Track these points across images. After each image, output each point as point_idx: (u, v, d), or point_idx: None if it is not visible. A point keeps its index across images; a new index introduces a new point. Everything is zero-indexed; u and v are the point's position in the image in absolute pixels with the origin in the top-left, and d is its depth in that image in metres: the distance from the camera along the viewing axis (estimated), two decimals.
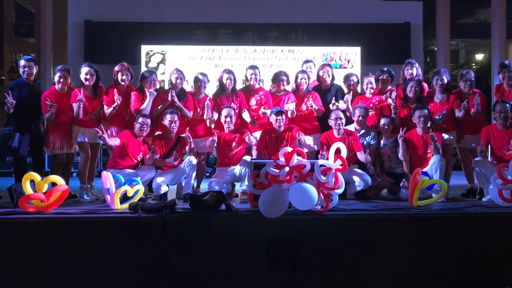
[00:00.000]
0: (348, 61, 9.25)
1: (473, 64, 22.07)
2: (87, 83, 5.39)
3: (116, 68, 5.59)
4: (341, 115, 5.52)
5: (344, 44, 9.40)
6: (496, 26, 11.94)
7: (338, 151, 4.54)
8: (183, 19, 9.84)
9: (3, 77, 18.68)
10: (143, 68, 9.03)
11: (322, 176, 4.37)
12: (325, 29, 9.94)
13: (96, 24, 9.79)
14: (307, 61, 6.39)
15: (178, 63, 8.97)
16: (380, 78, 6.00)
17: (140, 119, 5.30)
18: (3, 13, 18.24)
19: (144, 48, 9.12)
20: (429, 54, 17.91)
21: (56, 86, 5.38)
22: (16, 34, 18.92)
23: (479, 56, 22.37)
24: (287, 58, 9.15)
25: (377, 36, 9.99)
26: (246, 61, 9.08)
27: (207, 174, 7.86)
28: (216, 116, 5.73)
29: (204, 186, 5.79)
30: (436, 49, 13.07)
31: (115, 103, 5.35)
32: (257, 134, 5.75)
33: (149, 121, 5.31)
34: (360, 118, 5.66)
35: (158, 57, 9.13)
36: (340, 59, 9.23)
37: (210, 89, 6.27)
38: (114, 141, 5.28)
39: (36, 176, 4.48)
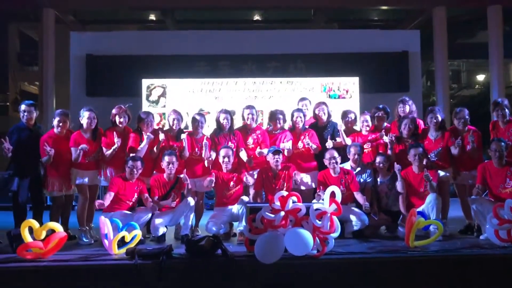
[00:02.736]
0: (347, 91, 9.30)
1: (476, 85, 22.14)
2: (89, 127, 5.47)
3: (114, 111, 5.68)
4: (335, 154, 5.57)
5: (343, 74, 9.45)
6: (493, 47, 12.00)
7: (333, 195, 4.57)
8: (183, 52, 9.97)
9: (7, 103, 18.89)
10: (144, 102, 9.16)
11: (317, 221, 4.40)
12: (323, 59, 10.01)
13: (98, 58, 9.93)
14: (302, 99, 6.46)
15: (178, 96, 9.13)
16: (375, 115, 6.07)
17: (130, 163, 5.35)
18: (8, 42, 18.51)
19: (145, 82, 9.22)
20: (430, 76, 17.96)
21: (55, 130, 5.47)
22: (20, 62, 19.15)
23: (481, 77, 22.41)
24: (286, 89, 9.22)
25: (375, 65, 10.06)
26: (246, 92, 9.19)
27: (208, 207, 7.92)
28: (214, 155, 5.79)
29: (203, 222, 5.81)
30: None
31: (115, 145, 5.42)
32: (254, 173, 5.79)
33: (139, 163, 5.36)
34: (356, 156, 5.71)
35: (158, 90, 9.23)
36: (338, 90, 9.28)
37: (209, 124, 6.36)
38: (109, 197, 5.24)
39: (35, 224, 4.54)
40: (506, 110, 5.62)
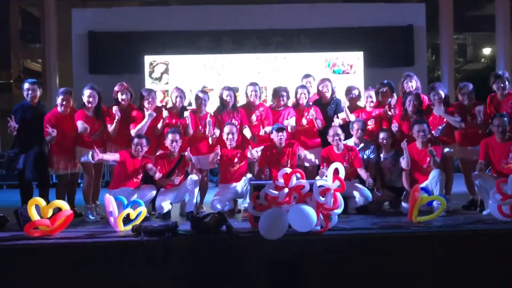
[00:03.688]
0: (351, 67, 9.20)
1: (482, 59, 21.90)
2: (89, 105, 5.48)
3: (116, 88, 5.68)
4: (339, 131, 5.57)
5: (347, 49, 9.35)
6: (500, 19, 11.83)
7: (336, 172, 4.59)
8: (185, 28, 9.86)
9: (11, 81, 18.88)
10: (147, 78, 9.11)
11: (321, 197, 4.43)
12: (327, 33, 9.87)
13: (100, 35, 9.84)
14: (306, 76, 6.43)
15: (181, 72, 9.06)
16: (380, 91, 6.05)
17: (135, 140, 5.37)
18: (9, 20, 18.41)
19: (148, 59, 9.16)
20: (435, 49, 17.78)
21: (59, 108, 5.48)
22: (22, 39, 19.07)
23: (487, 51, 22.14)
24: (290, 65, 9.14)
25: (380, 39, 9.90)
26: (249, 68, 9.10)
27: (214, 181, 7.99)
28: (217, 132, 5.79)
29: (208, 199, 5.87)
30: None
31: (116, 118, 5.43)
32: (258, 149, 5.80)
33: (144, 141, 5.38)
34: (359, 132, 5.70)
35: (161, 67, 9.16)
36: (342, 65, 9.19)
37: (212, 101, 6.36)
38: (113, 156, 5.36)
39: (41, 202, 4.58)
40: (507, 82, 5.56)
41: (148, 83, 8.97)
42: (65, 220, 4.57)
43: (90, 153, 5.28)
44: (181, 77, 8.95)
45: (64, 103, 5.46)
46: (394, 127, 5.69)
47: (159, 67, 9.19)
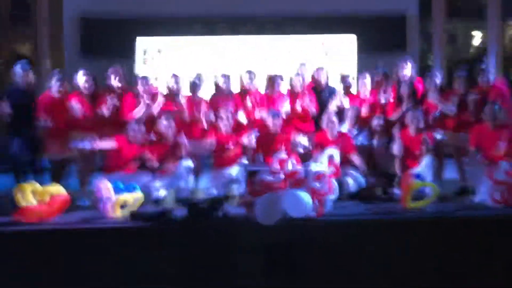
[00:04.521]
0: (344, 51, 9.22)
1: (472, 47, 21.96)
2: (85, 91, 5.45)
3: (109, 72, 5.65)
4: (333, 117, 5.60)
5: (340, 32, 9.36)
6: (492, 7, 11.86)
7: (331, 157, 4.63)
8: (179, 14, 9.78)
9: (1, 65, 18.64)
10: (139, 63, 9.05)
11: (315, 183, 4.47)
12: (320, 19, 9.84)
13: (92, 19, 9.72)
14: (302, 64, 6.42)
15: (174, 58, 9.01)
16: (374, 78, 6.06)
17: (133, 125, 5.37)
18: None
19: (140, 43, 9.09)
20: (428, 37, 17.82)
21: (54, 93, 5.44)
22: (12, 23, 18.77)
23: (477, 38, 22.18)
24: (283, 49, 9.13)
25: (373, 26, 9.93)
26: (243, 53, 9.08)
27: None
28: (212, 117, 5.80)
29: (202, 184, 5.87)
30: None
31: (108, 103, 5.41)
32: (253, 135, 5.82)
33: (142, 127, 5.38)
34: (353, 118, 5.74)
35: (154, 52, 9.12)
36: (336, 49, 9.20)
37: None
38: (109, 144, 5.36)
39: (37, 186, 4.57)
40: (490, 75, 5.78)
41: (141, 67, 8.93)
42: (61, 204, 4.57)
43: (87, 141, 5.29)
44: (174, 62, 8.90)
45: (61, 89, 5.41)
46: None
47: (151, 52, 9.14)
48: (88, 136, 5.45)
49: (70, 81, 5.61)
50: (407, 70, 5.99)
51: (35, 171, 5.64)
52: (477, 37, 21.83)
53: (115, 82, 5.63)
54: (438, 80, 5.74)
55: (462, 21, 22.00)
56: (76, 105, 5.34)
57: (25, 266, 4.23)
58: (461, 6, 19.19)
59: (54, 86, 5.44)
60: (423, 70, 8.95)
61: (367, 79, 6.04)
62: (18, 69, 5.52)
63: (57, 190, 4.67)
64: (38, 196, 4.54)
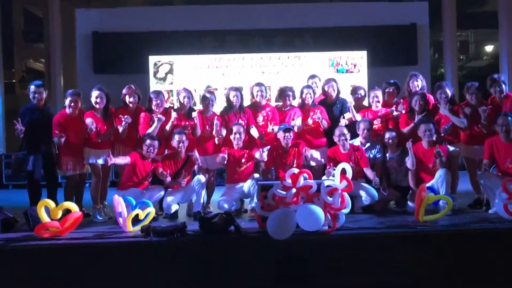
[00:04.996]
0: (355, 66, 9.25)
1: (484, 56, 21.85)
2: (97, 106, 5.53)
3: (124, 91, 5.73)
4: (345, 131, 5.59)
5: (350, 48, 9.39)
6: (503, 15, 11.81)
7: (343, 172, 4.62)
8: (189, 28, 9.92)
9: (14, 81, 18.91)
10: (151, 79, 9.16)
11: (328, 197, 4.46)
12: (330, 33, 9.93)
13: (104, 35, 9.91)
14: (312, 76, 6.43)
15: (185, 72, 9.11)
16: (386, 90, 6.08)
17: (148, 141, 5.42)
18: (12, 19, 18.41)
19: (152, 59, 9.21)
20: (438, 47, 17.77)
21: (67, 110, 5.50)
22: (25, 39, 19.08)
23: (489, 48, 22.08)
24: (293, 64, 9.19)
25: (383, 38, 9.96)
26: (253, 68, 9.17)
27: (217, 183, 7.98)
28: (224, 133, 5.82)
29: (214, 199, 5.90)
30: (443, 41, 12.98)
31: (124, 122, 5.48)
32: (265, 150, 5.82)
33: (156, 143, 5.43)
34: (365, 132, 5.73)
35: (166, 67, 9.21)
36: (346, 64, 9.23)
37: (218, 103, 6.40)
38: (124, 159, 5.42)
39: (51, 203, 4.63)
40: (503, 85, 5.67)
41: (153, 83, 9.04)
42: (74, 221, 4.62)
43: (103, 157, 5.37)
44: (185, 77, 9.00)
45: (72, 104, 5.47)
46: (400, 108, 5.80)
47: (163, 67, 9.25)
48: (102, 152, 5.52)
49: (84, 97, 5.67)
50: (418, 82, 5.97)
51: (50, 188, 5.70)
52: (489, 46, 21.77)
53: (129, 100, 5.68)
54: (449, 91, 5.71)
55: (472, 30, 21.99)
56: (89, 122, 5.40)
57: (41, 281, 4.27)
58: (471, 14, 19.16)
59: (68, 105, 5.49)
60: (435, 80, 8.93)
61: (379, 92, 6.03)
62: (32, 88, 5.60)
63: (71, 206, 4.71)
64: (51, 212, 4.58)
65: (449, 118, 5.65)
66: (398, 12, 10.31)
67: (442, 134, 5.66)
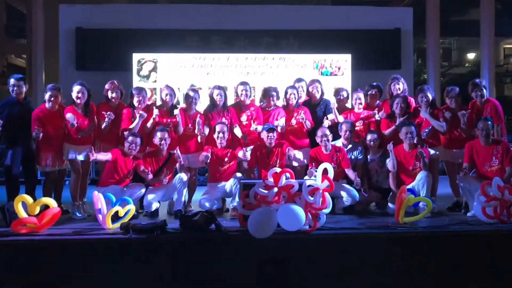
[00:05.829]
0: (339, 68, 9.27)
1: (466, 63, 22.19)
2: (78, 101, 5.45)
3: (106, 86, 5.68)
4: (327, 132, 5.62)
5: (335, 51, 9.40)
6: (485, 24, 12.04)
7: (325, 172, 4.63)
8: (174, 26, 9.84)
9: None
10: (135, 76, 9.07)
11: (309, 197, 4.46)
12: (316, 35, 9.94)
13: (88, 31, 9.78)
14: (299, 80, 6.39)
15: (169, 71, 9.03)
16: (369, 93, 6.13)
17: (130, 138, 5.37)
18: None
19: (136, 56, 9.11)
20: (422, 53, 18.00)
21: (47, 105, 5.42)
22: (7, 35, 18.81)
23: (471, 55, 22.44)
24: (278, 65, 9.17)
25: (368, 42, 10.00)
26: (238, 68, 9.13)
27: (200, 182, 7.95)
28: (207, 131, 5.80)
29: (196, 198, 5.86)
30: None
31: (107, 119, 5.42)
32: (248, 149, 5.82)
33: (138, 140, 5.38)
34: (347, 133, 5.76)
35: (149, 65, 9.11)
36: (330, 67, 9.24)
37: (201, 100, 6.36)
38: (105, 156, 5.36)
39: (28, 199, 4.56)
40: (484, 90, 5.76)
41: (136, 81, 8.93)
42: (52, 217, 4.55)
43: (84, 153, 5.30)
44: (169, 75, 8.91)
45: (52, 99, 5.38)
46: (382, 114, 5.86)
47: (147, 65, 9.14)
48: (82, 148, 5.45)
49: (65, 94, 5.59)
50: (400, 85, 6.03)
51: (28, 183, 5.61)
52: (471, 54, 22.13)
53: (111, 95, 5.62)
54: (430, 95, 5.77)
55: (456, 38, 22.35)
56: (70, 117, 5.32)
57: (17, 277, 4.20)
58: (454, 22, 19.47)
59: (48, 99, 5.40)
60: (418, 85, 9.02)
61: (361, 94, 6.07)
62: (12, 81, 5.51)
63: (48, 202, 4.63)
64: (29, 208, 4.51)
65: (429, 122, 5.71)
66: (383, 17, 10.37)
67: (423, 137, 5.71)
